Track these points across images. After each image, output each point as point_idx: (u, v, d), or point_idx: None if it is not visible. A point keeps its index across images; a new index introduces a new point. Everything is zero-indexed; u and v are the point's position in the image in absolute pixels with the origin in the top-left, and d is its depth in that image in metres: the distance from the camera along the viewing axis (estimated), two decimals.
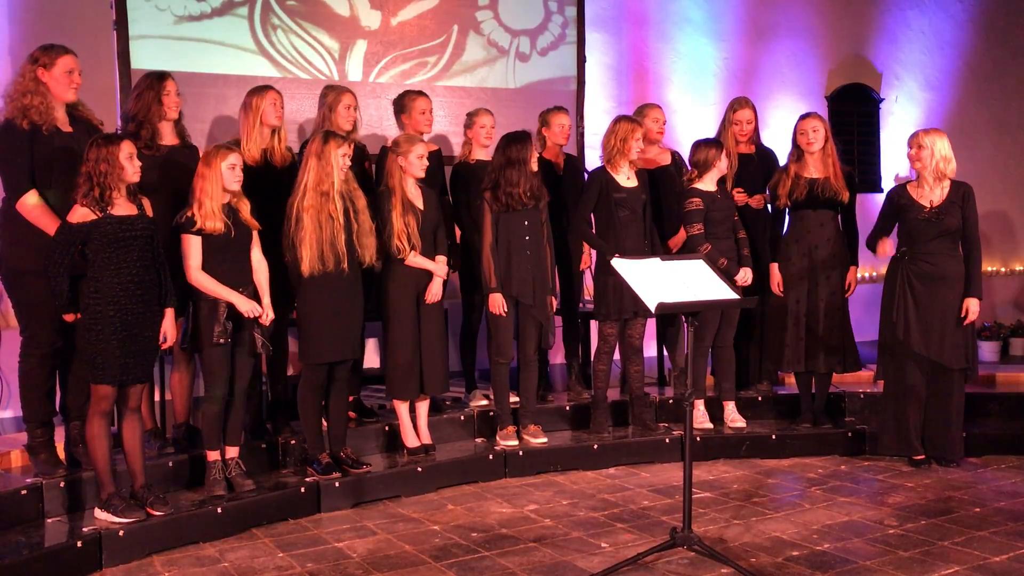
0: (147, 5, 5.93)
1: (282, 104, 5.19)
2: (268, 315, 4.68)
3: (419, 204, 5.26)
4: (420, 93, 5.85)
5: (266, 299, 4.72)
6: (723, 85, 8.32)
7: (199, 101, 5.93)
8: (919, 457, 5.53)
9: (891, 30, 8.88)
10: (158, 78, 4.92)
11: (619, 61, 7.95)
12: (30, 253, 4.39)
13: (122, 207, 4.25)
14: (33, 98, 4.45)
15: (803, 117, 5.90)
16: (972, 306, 5.38)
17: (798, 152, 5.85)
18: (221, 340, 4.54)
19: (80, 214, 4.18)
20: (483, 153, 5.96)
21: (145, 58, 5.87)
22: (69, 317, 4.32)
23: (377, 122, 6.61)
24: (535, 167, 5.45)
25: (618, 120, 5.77)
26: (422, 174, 5.24)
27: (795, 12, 8.55)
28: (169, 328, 4.44)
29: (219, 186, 4.54)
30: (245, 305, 4.58)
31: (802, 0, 8.57)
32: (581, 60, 7.29)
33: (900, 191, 5.53)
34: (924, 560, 4.08)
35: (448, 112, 6.80)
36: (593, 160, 7.59)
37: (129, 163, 4.24)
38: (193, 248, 4.54)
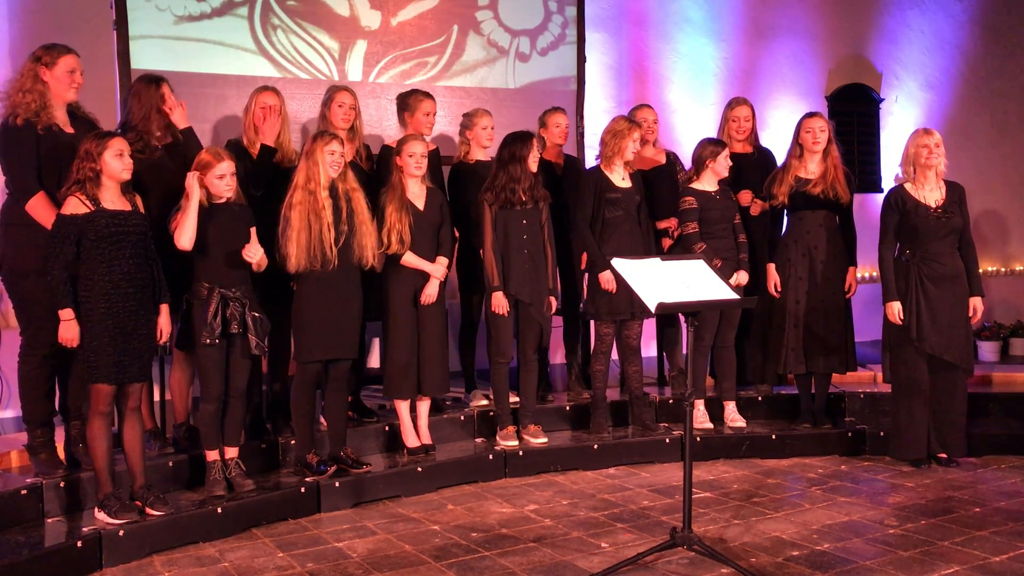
0: (147, 5, 5.92)
1: (281, 100, 5.21)
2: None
3: (419, 204, 5.26)
4: (427, 95, 5.84)
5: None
6: (723, 85, 8.31)
7: (199, 101, 5.92)
8: (920, 457, 5.52)
9: (891, 30, 8.87)
10: (156, 85, 4.91)
11: (619, 61, 7.94)
12: (31, 253, 4.39)
13: (114, 203, 4.26)
14: (31, 96, 4.45)
15: (809, 115, 5.87)
16: (978, 305, 5.42)
17: (799, 150, 5.83)
18: (208, 341, 4.54)
19: (72, 205, 4.18)
20: (482, 154, 5.96)
21: (145, 58, 5.86)
22: (65, 314, 4.17)
23: (377, 122, 6.60)
24: (534, 167, 5.45)
25: (615, 120, 5.79)
26: (418, 173, 5.25)
27: (795, 12, 8.55)
28: (164, 324, 4.45)
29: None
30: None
31: (802, 0, 8.57)
32: (581, 60, 7.29)
33: (901, 193, 5.49)
34: (924, 560, 4.09)
35: (448, 112, 6.79)
36: (593, 160, 7.60)
37: (118, 160, 4.24)
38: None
